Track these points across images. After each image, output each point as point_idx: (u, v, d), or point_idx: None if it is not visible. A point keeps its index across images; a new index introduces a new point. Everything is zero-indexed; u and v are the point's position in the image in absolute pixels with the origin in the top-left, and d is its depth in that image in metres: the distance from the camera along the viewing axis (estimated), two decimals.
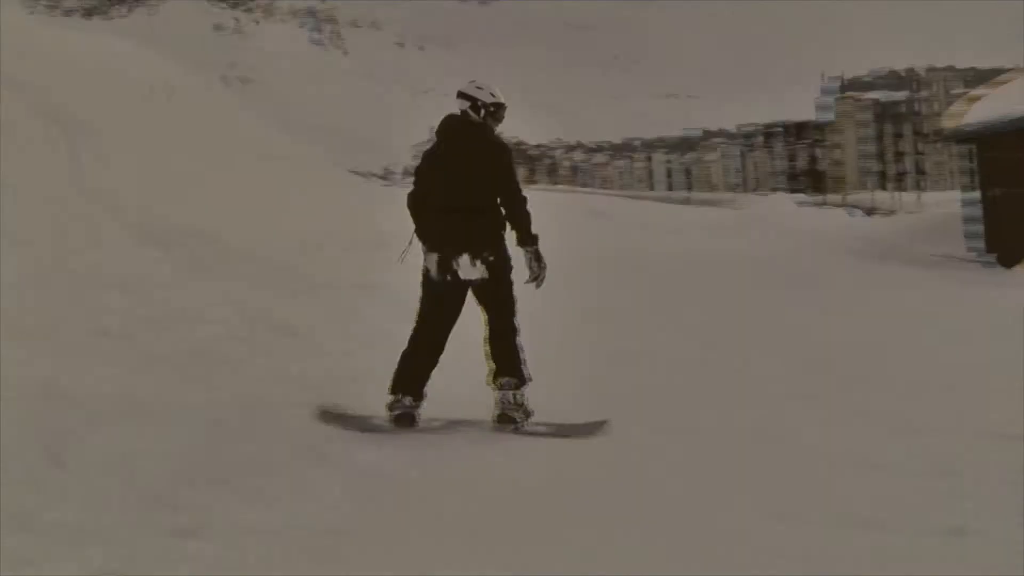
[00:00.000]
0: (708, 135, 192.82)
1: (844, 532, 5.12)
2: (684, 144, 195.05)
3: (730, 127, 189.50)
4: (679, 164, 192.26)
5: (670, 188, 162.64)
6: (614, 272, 16.89)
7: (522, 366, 7.32)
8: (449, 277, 7.21)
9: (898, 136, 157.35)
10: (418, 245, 7.40)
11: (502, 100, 7.41)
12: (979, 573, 4.66)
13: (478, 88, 7.39)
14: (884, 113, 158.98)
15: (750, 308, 14.03)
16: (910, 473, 6.19)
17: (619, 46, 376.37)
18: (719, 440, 7.00)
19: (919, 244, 25.19)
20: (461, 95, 7.38)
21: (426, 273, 7.32)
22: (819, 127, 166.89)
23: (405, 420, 7.21)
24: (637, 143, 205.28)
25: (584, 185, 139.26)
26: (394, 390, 7.25)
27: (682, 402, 8.18)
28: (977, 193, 24.59)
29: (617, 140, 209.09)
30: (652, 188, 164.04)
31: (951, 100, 69.17)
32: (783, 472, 6.26)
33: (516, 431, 7.18)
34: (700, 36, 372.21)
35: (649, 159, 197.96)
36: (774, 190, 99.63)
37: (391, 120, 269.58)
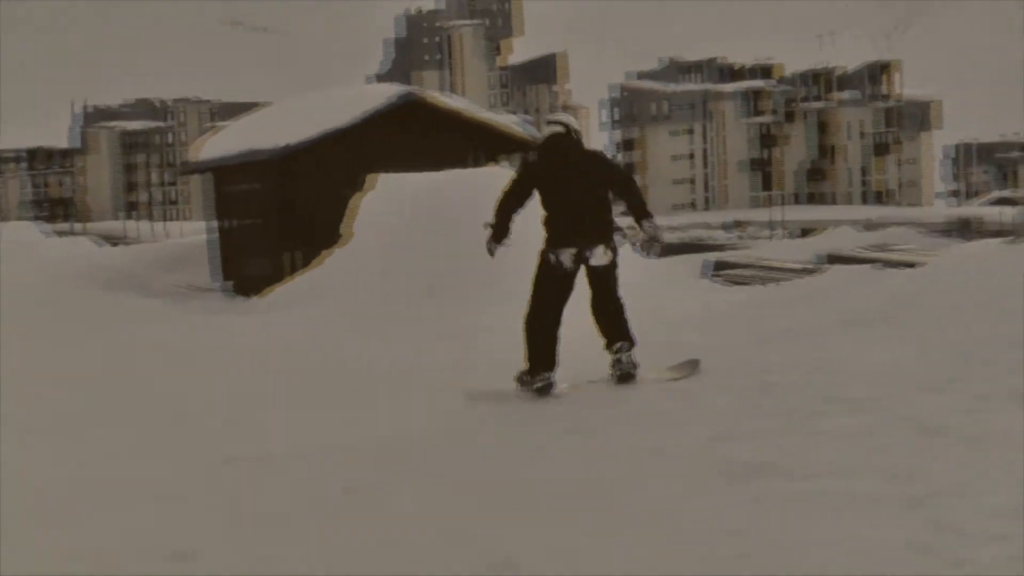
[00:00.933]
0: None
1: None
2: None
3: None
4: None
5: None
6: None
7: (631, 331, 8.83)
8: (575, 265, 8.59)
9: (148, 166, 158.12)
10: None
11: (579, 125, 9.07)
12: None
13: (568, 116, 9.08)
14: (135, 143, 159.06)
15: None
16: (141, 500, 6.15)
17: None
18: None
19: (165, 274, 25.26)
20: (554, 122, 8.94)
21: (551, 263, 8.59)
22: (68, 155, 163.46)
23: (547, 389, 8.58)
24: None
25: None
26: (533, 368, 8.59)
27: None
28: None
29: None
30: None
31: (203, 132, 70.76)
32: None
33: (633, 383, 8.73)
34: None
35: None
36: (20, 218, 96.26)
37: None
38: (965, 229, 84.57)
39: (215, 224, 25.10)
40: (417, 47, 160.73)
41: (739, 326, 11.31)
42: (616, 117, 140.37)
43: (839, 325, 9.87)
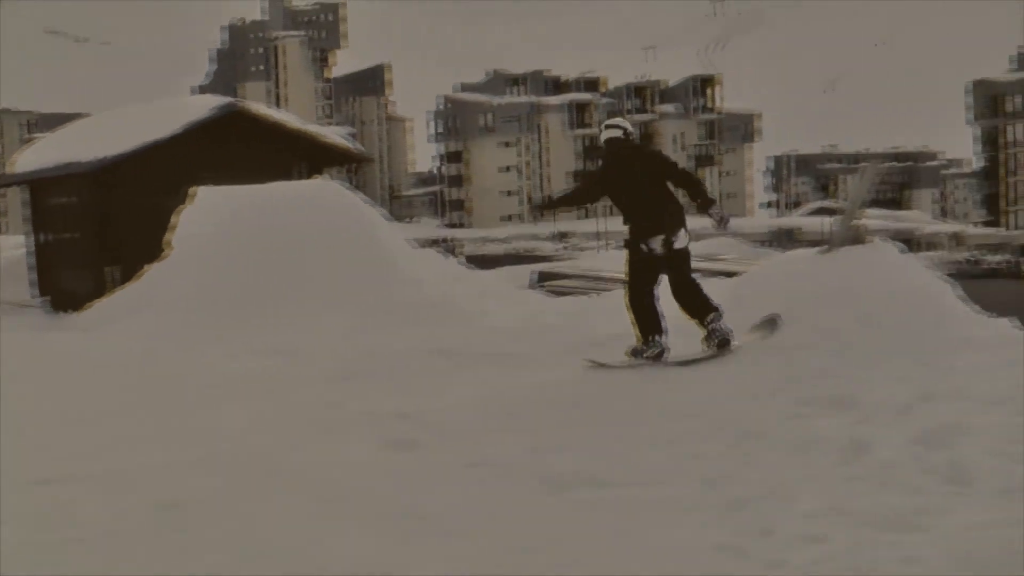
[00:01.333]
0: None
1: None
2: None
3: None
4: None
5: None
6: None
7: (714, 302, 9.66)
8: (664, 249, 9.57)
9: None
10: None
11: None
12: None
13: (623, 120, 10.25)
14: None
15: None
16: None
17: None
18: None
19: None
20: (612, 126, 10.00)
21: (643, 251, 9.60)
22: None
23: (660, 356, 9.50)
24: None
25: None
26: (647, 335, 9.56)
27: None
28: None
29: None
30: None
31: (23, 143, 68.54)
32: None
33: (731, 349, 9.42)
34: None
35: None
36: None
37: None
38: (786, 239, 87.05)
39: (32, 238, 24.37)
40: (242, 58, 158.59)
41: (559, 335, 11.41)
42: (441, 129, 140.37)
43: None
